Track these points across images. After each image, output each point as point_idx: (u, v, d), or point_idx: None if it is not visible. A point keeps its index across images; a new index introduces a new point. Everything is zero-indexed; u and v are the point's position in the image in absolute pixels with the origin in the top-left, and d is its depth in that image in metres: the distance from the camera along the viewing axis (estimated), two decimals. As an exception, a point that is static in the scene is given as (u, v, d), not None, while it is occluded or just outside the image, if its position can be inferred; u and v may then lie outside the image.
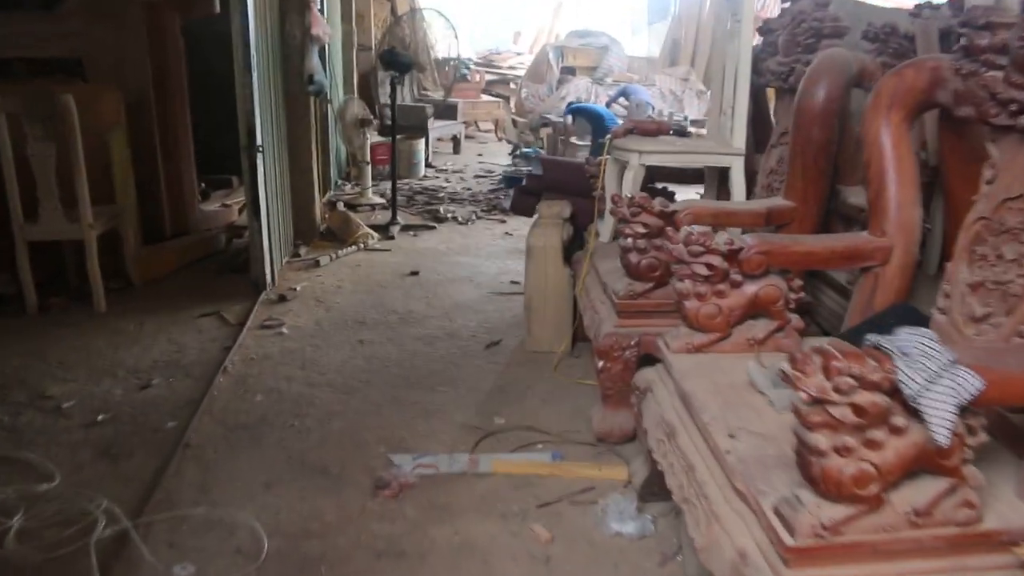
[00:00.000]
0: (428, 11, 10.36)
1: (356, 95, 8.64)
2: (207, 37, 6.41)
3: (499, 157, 11.05)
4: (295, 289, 5.36)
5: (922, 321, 2.17)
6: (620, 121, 12.53)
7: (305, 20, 6.29)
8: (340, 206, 7.56)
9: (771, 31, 3.89)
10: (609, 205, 3.74)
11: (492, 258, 6.25)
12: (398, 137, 8.89)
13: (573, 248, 4.51)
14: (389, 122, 9.13)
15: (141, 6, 5.78)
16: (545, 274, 4.41)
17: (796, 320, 2.54)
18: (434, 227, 7.15)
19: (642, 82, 13.26)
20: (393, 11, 14.06)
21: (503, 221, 7.40)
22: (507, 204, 4.81)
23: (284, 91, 6.13)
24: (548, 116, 14.01)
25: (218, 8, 6.23)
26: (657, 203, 3.33)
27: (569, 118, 9.37)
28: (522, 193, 4.74)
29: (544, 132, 14.02)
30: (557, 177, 4.67)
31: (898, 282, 2.53)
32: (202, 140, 6.53)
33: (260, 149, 5.21)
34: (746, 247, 2.46)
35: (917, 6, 3.43)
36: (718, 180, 4.21)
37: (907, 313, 2.37)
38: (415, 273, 5.79)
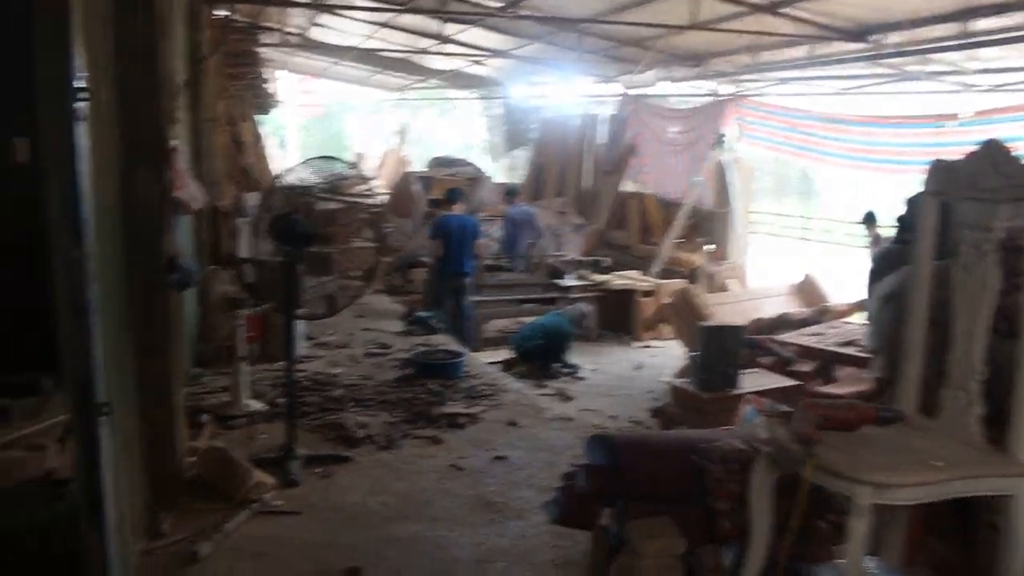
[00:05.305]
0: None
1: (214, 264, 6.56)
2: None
3: (384, 319, 9.08)
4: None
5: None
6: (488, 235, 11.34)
7: (163, 179, 4.27)
8: (207, 426, 5.39)
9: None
10: None
11: (456, 523, 4.28)
12: (265, 307, 6.88)
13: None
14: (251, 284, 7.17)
15: None
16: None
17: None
18: (348, 457, 5.11)
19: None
20: (235, 140, 12.06)
21: (436, 440, 5.46)
22: (552, 512, 2.94)
23: (128, 283, 4.00)
24: (421, 256, 12.17)
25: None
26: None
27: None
28: (574, 496, 2.89)
29: (417, 275, 12.20)
30: (643, 472, 2.86)
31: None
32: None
33: (107, 410, 3.12)
34: None
35: None
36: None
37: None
38: (354, 573, 3.75)
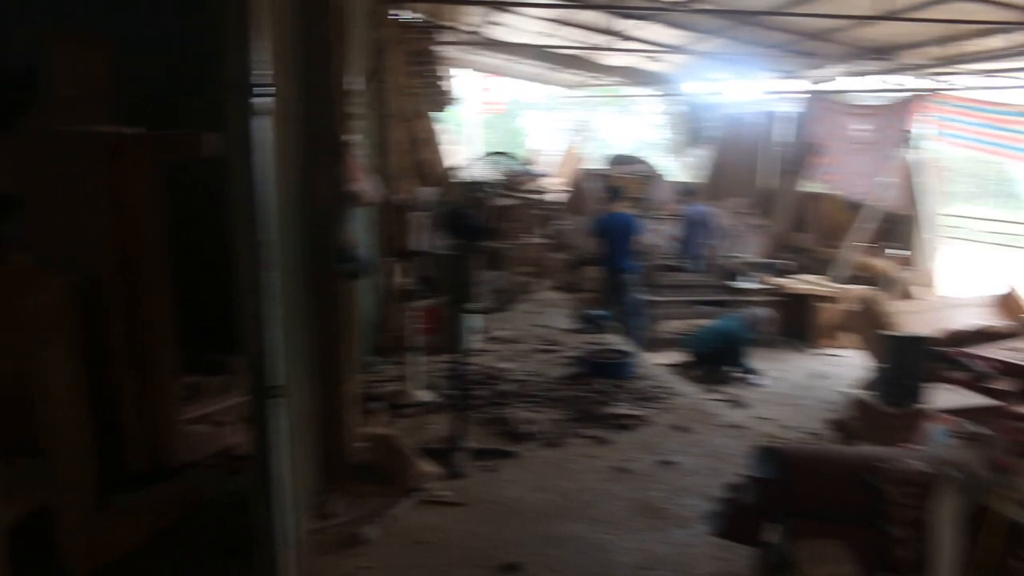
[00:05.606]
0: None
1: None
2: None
3: (556, 316, 9.05)
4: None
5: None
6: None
7: (339, 172, 4.37)
8: (379, 413, 5.53)
9: None
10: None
11: (617, 526, 4.19)
12: (439, 300, 6.98)
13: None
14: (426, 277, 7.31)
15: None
16: None
17: None
18: (514, 452, 5.12)
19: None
20: (413, 136, 12.36)
21: (602, 440, 5.38)
22: (714, 524, 2.83)
23: (304, 274, 4.11)
24: (592, 254, 12.09)
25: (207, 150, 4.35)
26: None
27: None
28: (739, 509, 2.75)
29: (588, 272, 12.11)
30: (813, 489, 2.68)
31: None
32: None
33: (280, 392, 3.23)
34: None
35: None
36: None
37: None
38: (513, 569, 3.74)
